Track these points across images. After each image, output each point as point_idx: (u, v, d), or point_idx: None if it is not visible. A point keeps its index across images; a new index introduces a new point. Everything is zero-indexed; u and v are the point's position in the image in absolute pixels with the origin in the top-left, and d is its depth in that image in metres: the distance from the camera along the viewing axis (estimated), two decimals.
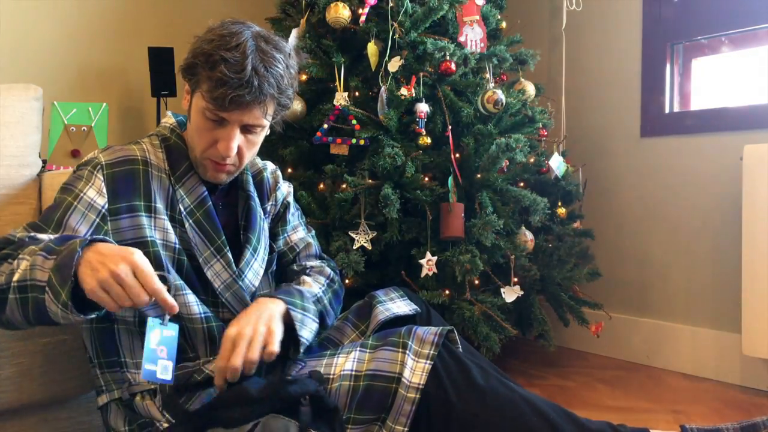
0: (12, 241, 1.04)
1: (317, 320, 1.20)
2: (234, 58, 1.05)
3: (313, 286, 1.27)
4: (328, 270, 1.35)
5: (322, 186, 2.01)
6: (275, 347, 1.05)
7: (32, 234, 1.05)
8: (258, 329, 1.06)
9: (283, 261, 1.35)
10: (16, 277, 0.94)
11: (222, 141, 1.12)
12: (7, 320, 0.99)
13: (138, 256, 0.93)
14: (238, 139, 1.12)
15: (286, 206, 1.36)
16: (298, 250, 1.36)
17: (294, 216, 1.38)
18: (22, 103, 1.84)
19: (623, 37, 2.49)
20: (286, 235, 1.35)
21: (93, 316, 0.95)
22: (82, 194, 1.10)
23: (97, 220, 1.10)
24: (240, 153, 1.15)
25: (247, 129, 1.13)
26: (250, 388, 0.95)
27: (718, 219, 2.21)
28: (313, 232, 1.42)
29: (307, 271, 1.33)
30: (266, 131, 1.20)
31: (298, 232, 1.37)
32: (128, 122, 2.72)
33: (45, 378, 1.33)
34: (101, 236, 1.01)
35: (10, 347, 1.28)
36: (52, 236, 1.04)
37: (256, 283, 1.25)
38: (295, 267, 1.34)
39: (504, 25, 2.34)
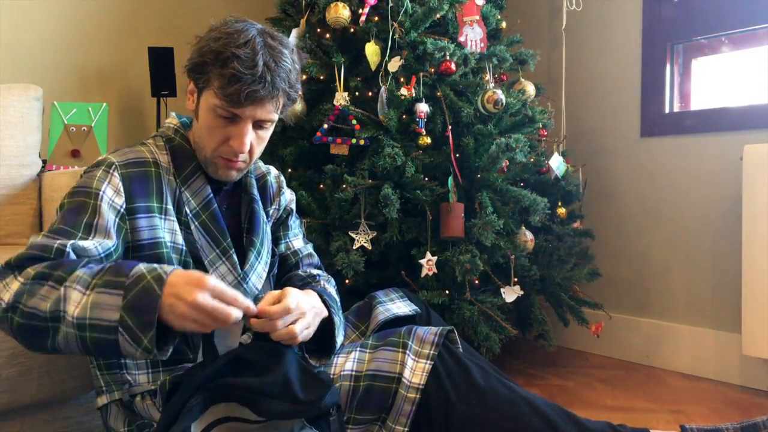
0: (47, 254, 0.98)
1: (345, 331, 1.23)
2: (245, 54, 1.06)
3: (336, 297, 1.27)
4: (333, 282, 1.36)
5: (322, 186, 2.01)
6: (299, 340, 1.03)
7: (73, 242, 1.00)
8: (310, 317, 1.06)
9: (285, 264, 1.35)
10: (73, 311, 0.90)
11: (235, 138, 1.12)
12: (53, 348, 0.93)
13: (211, 279, 0.90)
14: (251, 134, 1.13)
15: (288, 213, 1.37)
16: (300, 255, 1.36)
17: (295, 224, 1.39)
18: (22, 103, 1.85)
19: (623, 37, 2.49)
20: (288, 240, 1.36)
21: (170, 352, 0.95)
22: (101, 193, 1.08)
23: (117, 219, 1.09)
24: (251, 149, 1.15)
25: (258, 124, 1.14)
26: (296, 388, 0.92)
27: (718, 219, 2.21)
28: (312, 245, 1.43)
29: (318, 277, 1.33)
30: (273, 126, 1.20)
31: (299, 240, 1.38)
32: (128, 122, 2.72)
33: (45, 378, 1.33)
34: (173, 267, 0.95)
35: (11, 347, 1.28)
36: (91, 242, 1.01)
37: (260, 286, 1.25)
38: (300, 272, 1.34)
39: (504, 25, 2.34)
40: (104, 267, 0.95)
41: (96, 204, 1.06)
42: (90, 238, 1.03)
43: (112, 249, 1.06)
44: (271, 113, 1.13)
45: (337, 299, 1.26)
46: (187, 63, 1.14)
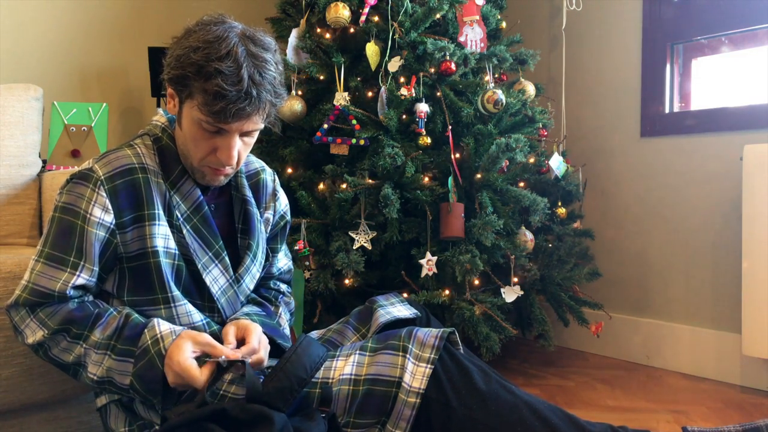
0: (52, 294, 1.08)
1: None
2: (228, 68, 1.01)
3: (286, 328, 1.33)
4: (292, 305, 1.39)
5: (322, 186, 2.01)
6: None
7: (72, 282, 1.08)
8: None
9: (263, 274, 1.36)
10: (93, 370, 1.06)
11: (222, 150, 1.10)
12: (75, 378, 1.12)
13: (179, 361, 1.01)
14: (238, 145, 1.11)
15: (285, 223, 1.36)
16: (282, 271, 1.39)
17: (286, 236, 1.40)
18: (22, 103, 1.85)
19: (623, 37, 2.49)
20: (278, 252, 1.37)
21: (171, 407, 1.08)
22: (89, 215, 1.08)
23: (107, 236, 1.10)
24: (237, 156, 1.13)
25: (244, 134, 1.12)
26: None
27: (718, 219, 2.21)
28: (290, 258, 1.44)
29: (280, 299, 1.36)
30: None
31: (283, 254, 1.40)
32: (128, 122, 2.72)
33: (45, 378, 1.33)
34: (172, 337, 1.05)
35: (11, 347, 1.28)
36: (84, 278, 1.09)
37: (252, 287, 1.26)
38: (263, 289, 1.35)
39: (504, 25, 2.34)
40: (118, 327, 1.07)
41: (83, 227, 1.09)
42: (81, 260, 1.09)
43: (99, 272, 1.12)
44: (258, 123, 1.10)
45: (286, 330, 1.32)
46: (166, 72, 1.08)
